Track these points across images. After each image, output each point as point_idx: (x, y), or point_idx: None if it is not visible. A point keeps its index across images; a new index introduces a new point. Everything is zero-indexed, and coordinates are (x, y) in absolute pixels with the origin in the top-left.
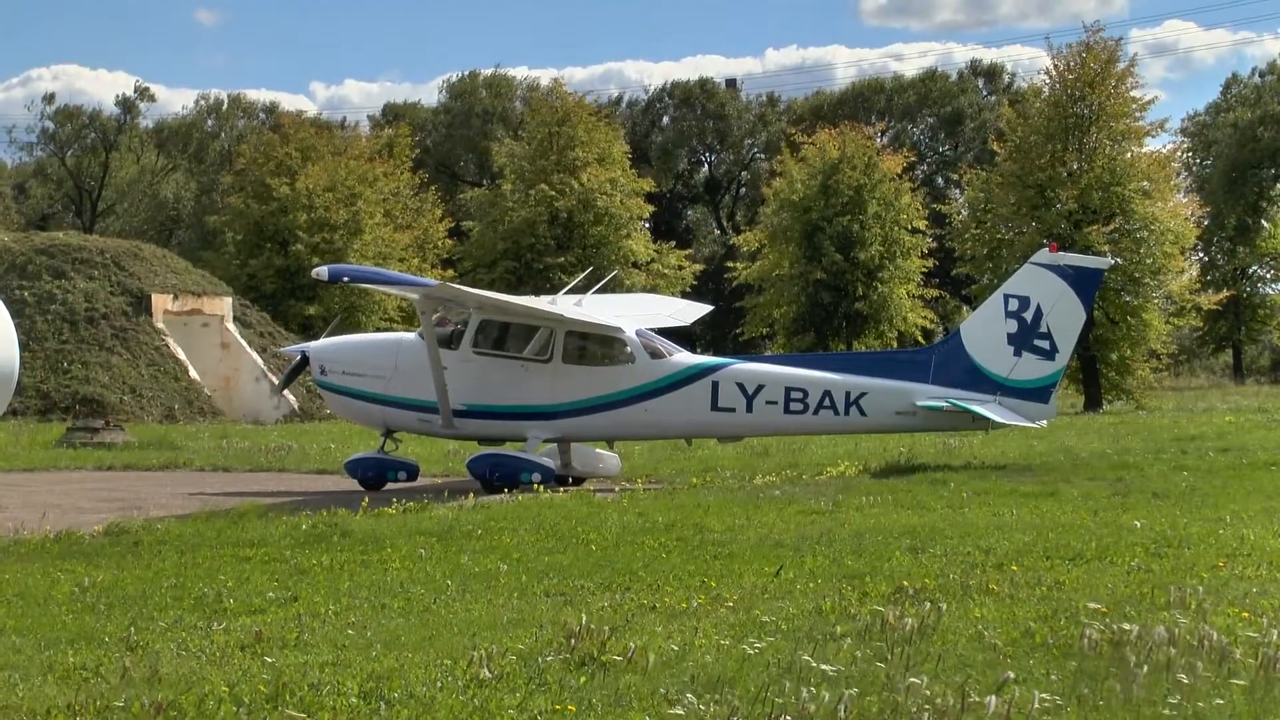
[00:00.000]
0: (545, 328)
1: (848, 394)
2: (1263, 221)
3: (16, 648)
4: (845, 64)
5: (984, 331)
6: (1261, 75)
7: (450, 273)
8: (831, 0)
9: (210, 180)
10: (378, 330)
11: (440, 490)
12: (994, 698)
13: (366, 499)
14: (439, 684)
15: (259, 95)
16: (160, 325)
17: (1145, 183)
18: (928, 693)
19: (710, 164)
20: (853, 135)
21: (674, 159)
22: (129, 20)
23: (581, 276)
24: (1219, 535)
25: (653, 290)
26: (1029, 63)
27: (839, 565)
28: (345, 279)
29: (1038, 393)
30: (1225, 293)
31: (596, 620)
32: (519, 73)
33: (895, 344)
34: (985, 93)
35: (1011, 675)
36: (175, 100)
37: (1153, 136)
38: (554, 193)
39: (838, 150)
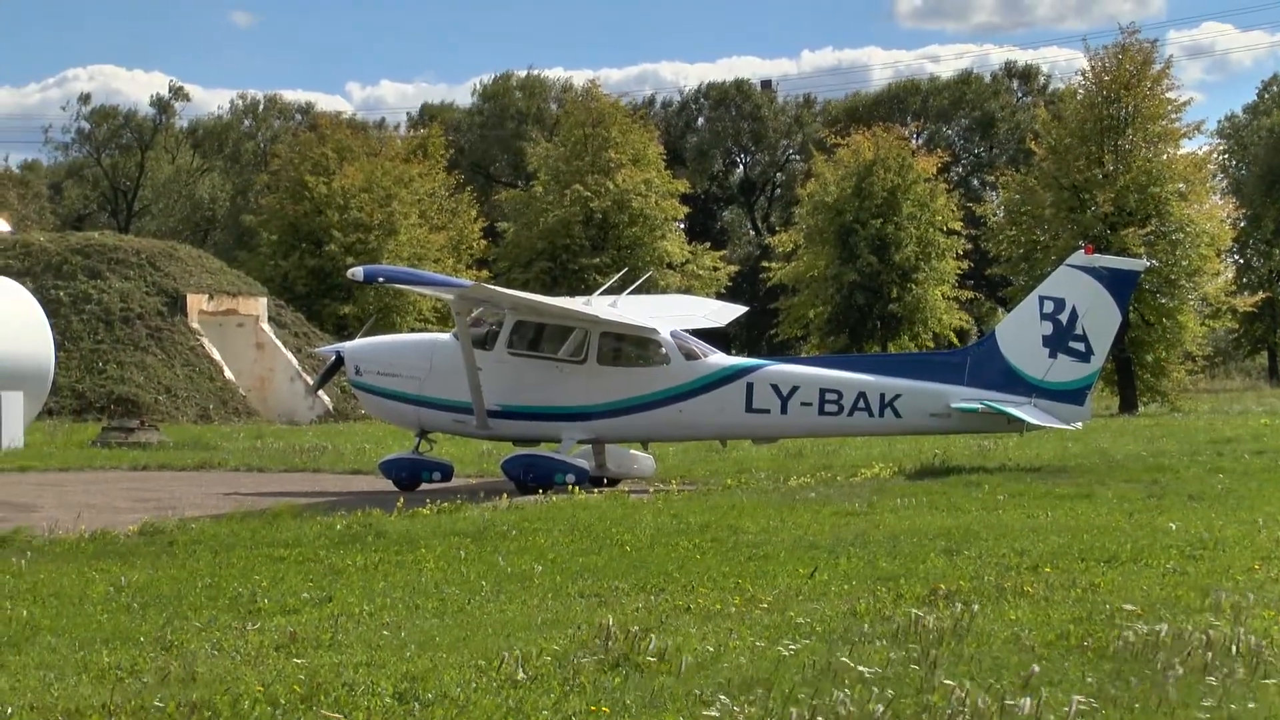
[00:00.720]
0: (580, 329)
1: (882, 395)
2: None
3: (52, 647)
4: (881, 65)
5: (1019, 333)
6: None
7: (485, 273)
8: (867, 2)
9: (246, 180)
10: (412, 331)
11: (475, 491)
12: (1027, 699)
13: (401, 499)
14: (473, 685)
15: (295, 96)
16: (195, 325)
17: (1181, 185)
18: (962, 695)
19: (745, 165)
20: (886, 137)
21: (709, 160)
22: (165, 21)
23: (616, 277)
24: (1254, 538)
25: (687, 291)
26: (1065, 64)
27: (873, 567)
28: (380, 279)
29: (1073, 395)
30: (1261, 295)
31: (631, 621)
32: (554, 74)
33: (930, 345)
34: (1020, 94)
35: (1037, 669)
36: (212, 101)
37: (1189, 138)
38: (589, 193)
39: (871, 152)
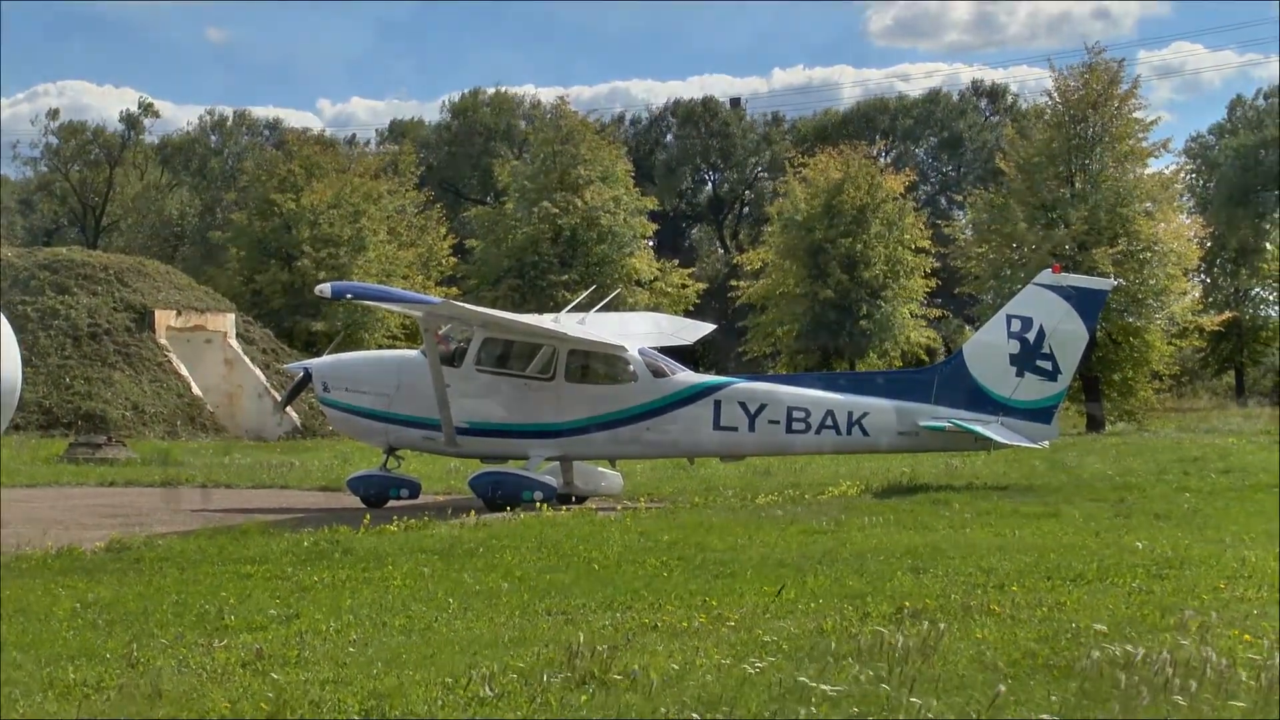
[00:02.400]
0: (548, 346)
1: (850, 414)
2: (1265, 244)
3: (17, 664)
4: (851, 84)
5: (987, 352)
6: (1265, 98)
7: (454, 290)
8: (839, 21)
9: (214, 196)
10: (380, 348)
11: (442, 508)
12: None
13: (368, 516)
14: (440, 702)
15: (266, 112)
16: (163, 341)
17: (1149, 204)
18: (928, 714)
19: (714, 183)
20: (854, 155)
21: (678, 177)
22: (138, 38)
23: (584, 295)
24: (1220, 557)
25: (655, 309)
26: (1035, 83)
27: (840, 585)
28: (349, 296)
29: (1040, 413)
30: (1227, 314)
31: (598, 639)
32: (524, 90)
33: (898, 363)
34: (988, 113)
35: (1003, 689)
36: (185, 117)
37: (1155, 157)
38: (557, 210)
39: (840, 171)
